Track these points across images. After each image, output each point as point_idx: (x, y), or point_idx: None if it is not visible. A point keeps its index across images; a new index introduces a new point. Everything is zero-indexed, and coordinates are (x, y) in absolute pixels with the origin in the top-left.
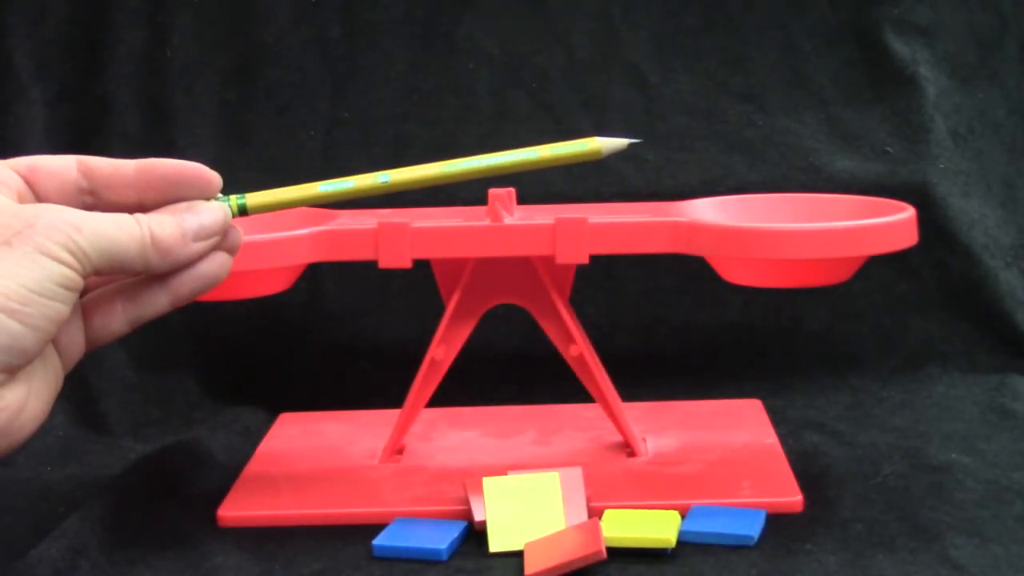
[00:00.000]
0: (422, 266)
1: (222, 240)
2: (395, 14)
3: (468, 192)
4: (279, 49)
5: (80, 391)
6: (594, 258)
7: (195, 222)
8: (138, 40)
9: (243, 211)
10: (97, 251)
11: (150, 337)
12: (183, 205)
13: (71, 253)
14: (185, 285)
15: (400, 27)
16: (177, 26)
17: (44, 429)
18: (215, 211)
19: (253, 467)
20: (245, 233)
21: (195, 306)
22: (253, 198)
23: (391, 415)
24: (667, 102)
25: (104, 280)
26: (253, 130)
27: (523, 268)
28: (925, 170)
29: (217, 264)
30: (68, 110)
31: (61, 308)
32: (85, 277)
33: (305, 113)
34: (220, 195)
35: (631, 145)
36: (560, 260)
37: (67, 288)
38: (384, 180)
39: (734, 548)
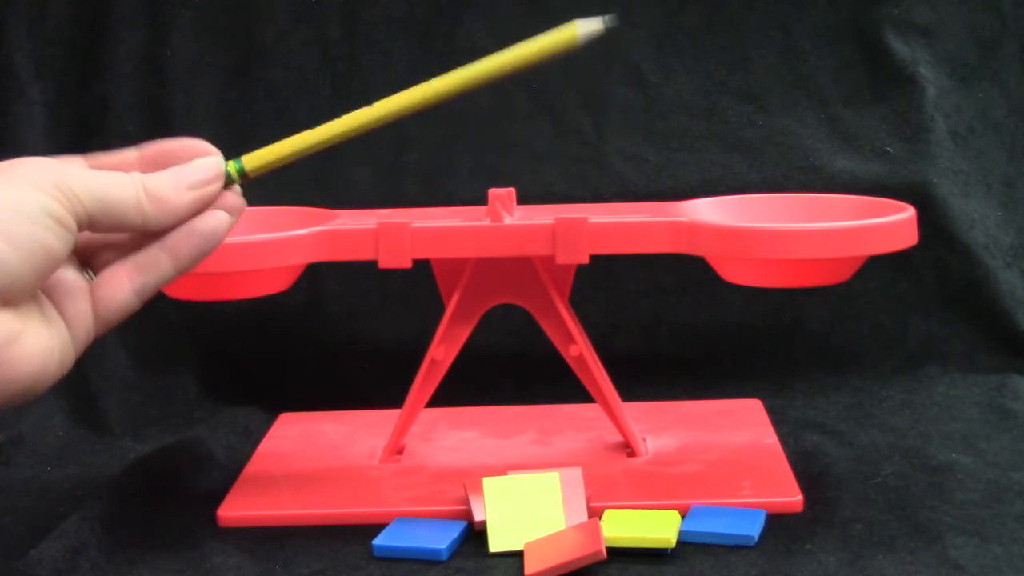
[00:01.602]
0: (422, 266)
1: (220, 200)
2: (395, 14)
3: (468, 192)
4: (279, 49)
5: (80, 391)
6: (594, 258)
7: (187, 171)
8: (138, 40)
9: (242, 174)
10: (87, 194)
11: (150, 337)
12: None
13: (59, 190)
14: (183, 243)
15: (400, 27)
16: (177, 26)
17: (44, 429)
18: (207, 162)
19: (253, 467)
20: (245, 233)
21: (195, 306)
22: (250, 160)
23: (391, 415)
24: (667, 102)
25: (104, 243)
26: (253, 130)
27: (523, 268)
28: (925, 170)
29: (215, 220)
30: (68, 110)
31: (51, 240)
32: (77, 219)
33: (305, 113)
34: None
35: (608, 29)
36: (560, 260)
37: (57, 222)
38: (373, 113)
39: (734, 548)
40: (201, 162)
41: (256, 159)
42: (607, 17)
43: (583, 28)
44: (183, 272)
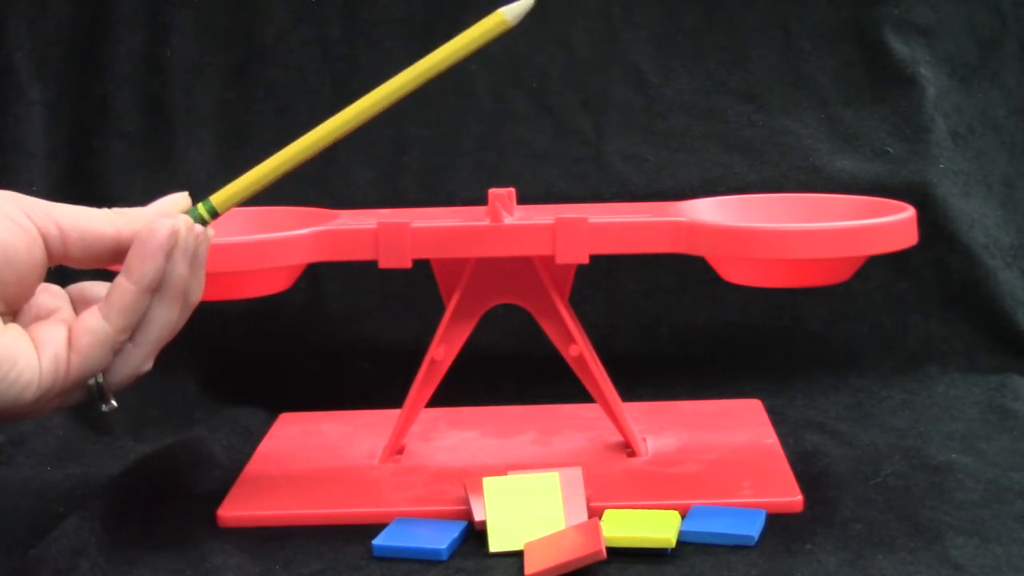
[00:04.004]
0: (422, 266)
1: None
2: (395, 14)
3: (468, 192)
4: (279, 49)
5: None
6: (594, 258)
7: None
8: (138, 40)
9: (213, 213)
10: (57, 209)
11: None
12: None
13: (18, 200)
14: (132, 255)
15: (400, 27)
16: (177, 26)
17: (44, 429)
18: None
19: (253, 467)
20: (246, 233)
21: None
22: (217, 197)
23: (391, 415)
24: (667, 102)
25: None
26: (253, 130)
27: (523, 268)
28: (925, 170)
29: (159, 227)
30: (68, 110)
31: (14, 224)
32: (43, 230)
33: (305, 113)
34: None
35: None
36: (560, 260)
37: (9, 217)
38: (327, 128)
39: (734, 548)
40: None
41: (223, 196)
42: None
43: (511, 12)
44: (144, 289)
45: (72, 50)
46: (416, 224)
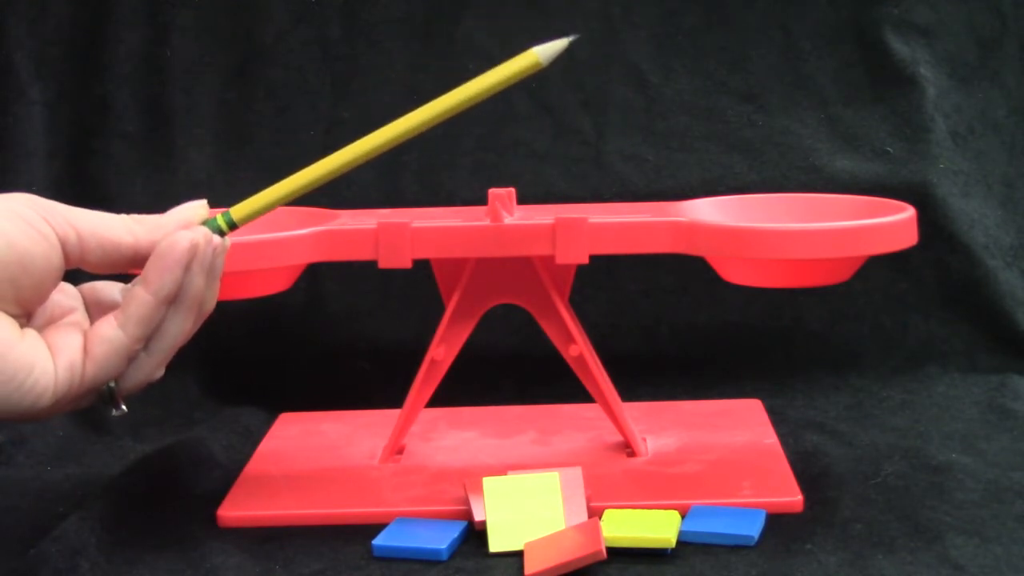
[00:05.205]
0: (422, 266)
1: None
2: (395, 14)
3: (468, 192)
4: (279, 49)
5: None
6: (594, 258)
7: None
8: (138, 40)
9: (232, 225)
10: (74, 214)
11: None
12: None
13: (37, 204)
14: (150, 266)
15: (400, 27)
16: (177, 26)
17: (44, 429)
18: (189, 204)
19: (253, 467)
20: (246, 232)
21: None
22: (237, 210)
23: (391, 415)
24: (667, 102)
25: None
26: (253, 130)
27: (523, 268)
28: (925, 170)
29: (178, 238)
30: (68, 110)
31: (17, 236)
32: (61, 236)
33: (305, 113)
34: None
35: (572, 43)
36: (560, 260)
37: (28, 223)
38: (348, 155)
39: (734, 548)
40: (183, 205)
41: (243, 209)
42: (571, 37)
43: (544, 52)
44: (161, 300)
45: (72, 50)
46: (416, 224)
